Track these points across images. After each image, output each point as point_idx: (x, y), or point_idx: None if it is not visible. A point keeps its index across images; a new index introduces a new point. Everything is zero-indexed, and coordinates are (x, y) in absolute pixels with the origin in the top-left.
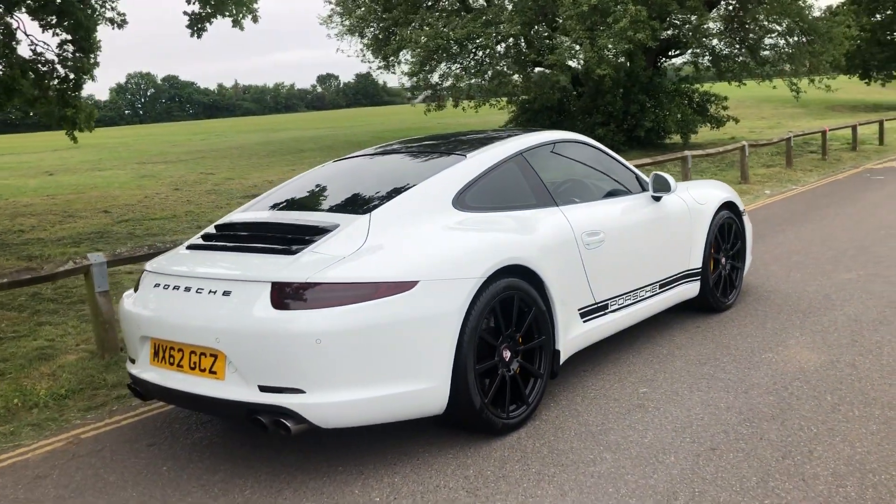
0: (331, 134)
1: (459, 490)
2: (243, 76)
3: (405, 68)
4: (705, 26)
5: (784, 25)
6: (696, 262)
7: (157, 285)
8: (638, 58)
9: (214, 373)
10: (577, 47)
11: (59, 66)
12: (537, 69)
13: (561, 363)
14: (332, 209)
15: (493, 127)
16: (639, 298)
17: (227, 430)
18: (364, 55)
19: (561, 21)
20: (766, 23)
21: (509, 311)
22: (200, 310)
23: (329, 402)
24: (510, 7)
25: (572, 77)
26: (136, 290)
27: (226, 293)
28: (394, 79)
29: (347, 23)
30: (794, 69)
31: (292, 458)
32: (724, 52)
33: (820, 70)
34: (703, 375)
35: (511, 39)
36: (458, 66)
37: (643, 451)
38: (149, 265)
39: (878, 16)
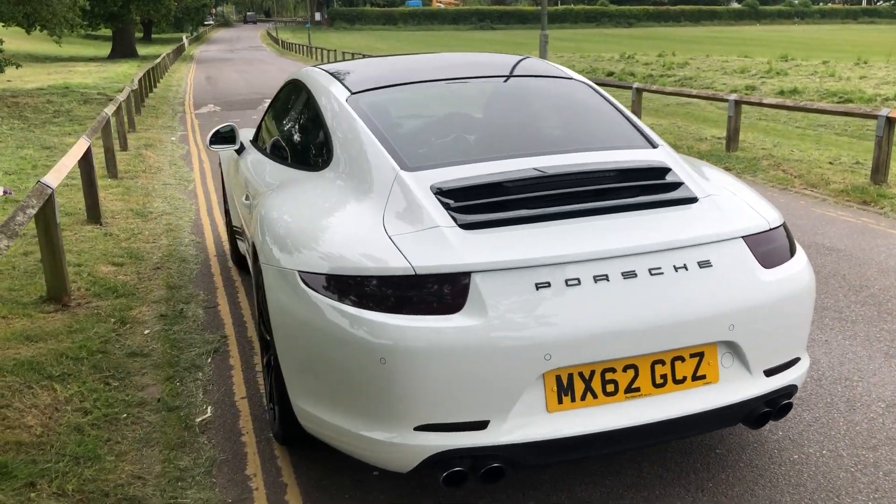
0: None
1: None
2: None
3: None
4: None
5: None
6: None
7: (542, 285)
8: None
9: (702, 377)
10: None
11: None
12: None
13: None
14: (602, 147)
15: None
16: None
17: None
18: None
19: None
20: None
21: None
22: (684, 296)
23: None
24: None
25: None
26: (452, 307)
27: (703, 264)
28: None
29: None
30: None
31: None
32: None
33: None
34: None
35: None
36: None
37: None
38: (466, 261)
39: None
